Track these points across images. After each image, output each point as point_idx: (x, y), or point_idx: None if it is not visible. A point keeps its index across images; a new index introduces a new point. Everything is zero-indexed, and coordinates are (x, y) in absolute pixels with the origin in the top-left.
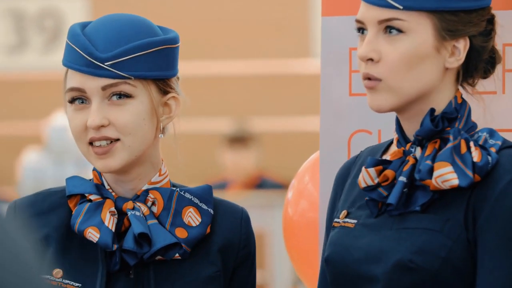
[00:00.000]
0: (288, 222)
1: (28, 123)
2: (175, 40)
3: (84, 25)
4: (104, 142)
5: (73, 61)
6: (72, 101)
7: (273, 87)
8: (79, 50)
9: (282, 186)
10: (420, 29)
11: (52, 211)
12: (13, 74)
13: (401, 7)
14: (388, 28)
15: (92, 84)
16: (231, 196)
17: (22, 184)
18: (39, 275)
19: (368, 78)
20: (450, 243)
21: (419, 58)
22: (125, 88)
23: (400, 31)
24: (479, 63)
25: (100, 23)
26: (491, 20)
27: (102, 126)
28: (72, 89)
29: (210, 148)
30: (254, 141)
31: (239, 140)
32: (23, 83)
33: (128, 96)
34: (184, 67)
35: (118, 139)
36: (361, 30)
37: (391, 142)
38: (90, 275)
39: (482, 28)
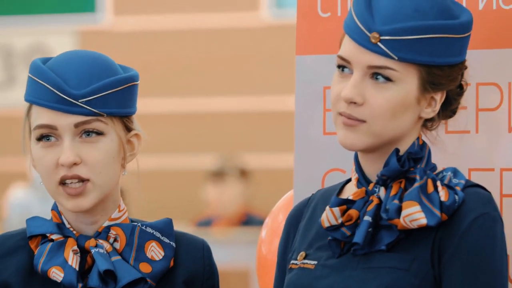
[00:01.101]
0: (262, 261)
1: (15, 159)
2: (137, 77)
3: (44, 61)
4: (76, 183)
5: (41, 98)
6: (40, 138)
7: (258, 123)
8: (49, 86)
9: None
10: (408, 79)
11: (12, 254)
12: (1, 110)
13: (396, 58)
14: (376, 74)
15: (64, 121)
16: (217, 232)
17: (8, 220)
18: None
19: (350, 117)
20: (417, 282)
21: (403, 107)
22: (97, 125)
23: (388, 79)
24: (446, 112)
25: (65, 59)
26: (462, 73)
27: (75, 164)
28: (42, 126)
29: (195, 185)
30: (239, 177)
31: (220, 176)
32: (10, 119)
33: (99, 133)
34: (168, 103)
35: (88, 179)
36: (342, 67)
37: (345, 183)
38: None
39: (459, 82)
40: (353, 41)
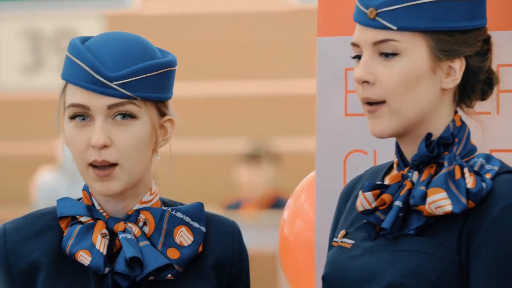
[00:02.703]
0: (284, 242)
1: (43, 143)
2: (174, 63)
3: (83, 40)
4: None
5: (76, 77)
6: (73, 117)
7: (289, 107)
8: (84, 66)
9: None
10: (415, 50)
11: (42, 234)
12: (29, 94)
13: (395, 28)
14: (383, 53)
15: (98, 102)
16: (245, 216)
17: (36, 204)
18: None
19: (368, 102)
20: (442, 267)
21: (415, 79)
22: (130, 108)
23: (395, 54)
24: (476, 84)
25: (103, 40)
26: (487, 41)
27: (105, 146)
28: (75, 105)
29: (226, 168)
30: (270, 160)
31: (255, 158)
32: (38, 103)
33: (132, 116)
34: (198, 87)
35: (116, 164)
36: (357, 57)
37: (392, 164)
38: None
39: (478, 49)
40: (358, 24)
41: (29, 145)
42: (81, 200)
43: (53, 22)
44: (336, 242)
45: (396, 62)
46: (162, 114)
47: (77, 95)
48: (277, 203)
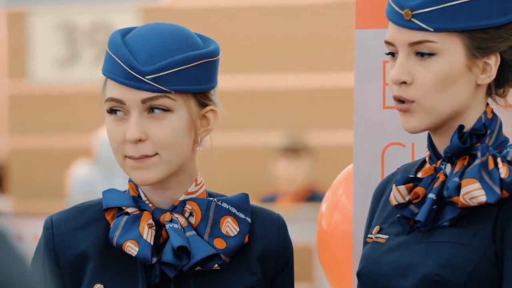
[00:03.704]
0: (322, 235)
1: (78, 136)
2: (215, 53)
3: (125, 33)
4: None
5: (113, 72)
6: (111, 111)
7: (325, 100)
8: (120, 62)
9: None
10: (451, 49)
11: (89, 226)
12: (64, 87)
13: (431, 29)
14: (419, 53)
15: (132, 97)
16: (281, 209)
17: (71, 197)
18: None
19: (401, 100)
20: (477, 258)
21: (452, 78)
22: (165, 102)
23: (431, 54)
24: (510, 76)
25: (142, 33)
26: None
27: (140, 140)
28: (112, 100)
29: (263, 161)
30: (307, 154)
31: (292, 151)
32: (74, 96)
33: (167, 110)
34: (239, 81)
35: (155, 154)
36: (392, 54)
37: (425, 160)
38: None
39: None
40: (392, 23)
41: (64, 138)
42: (127, 192)
43: (88, 16)
44: (371, 238)
45: (432, 62)
46: (203, 104)
47: (114, 90)
48: (312, 197)
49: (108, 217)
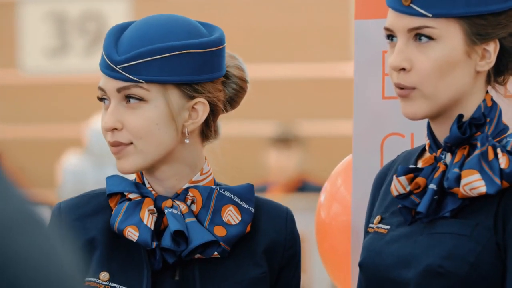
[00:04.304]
0: (321, 226)
1: (69, 125)
2: (208, 44)
3: (128, 24)
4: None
5: (100, 61)
6: (101, 99)
7: (317, 90)
8: (103, 51)
9: None
10: (450, 35)
11: (97, 214)
12: (54, 77)
13: (430, 15)
14: (418, 35)
15: (109, 86)
16: (272, 199)
17: (62, 187)
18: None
19: (401, 87)
20: (479, 248)
21: (451, 64)
22: (137, 91)
23: (430, 38)
24: (509, 63)
25: (137, 23)
26: None
27: (116, 129)
28: (98, 88)
29: (254, 151)
30: (298, 144)
31: (283, 142)
32: (64, 86)
33: (140, 99)
34: None
35: (131, 143)
36: (391, 37)
37: (425, 147)
38: (136, 277)
39: (511, 29)
40: (392, 10)
41: (55, 128)
42: (131, 179)
43: (78, 5)
44: (372, 228)
45: (431, 48)
46: (190, 96)
47: (101, 79)
48: (304, 187)
49: (112, 204)
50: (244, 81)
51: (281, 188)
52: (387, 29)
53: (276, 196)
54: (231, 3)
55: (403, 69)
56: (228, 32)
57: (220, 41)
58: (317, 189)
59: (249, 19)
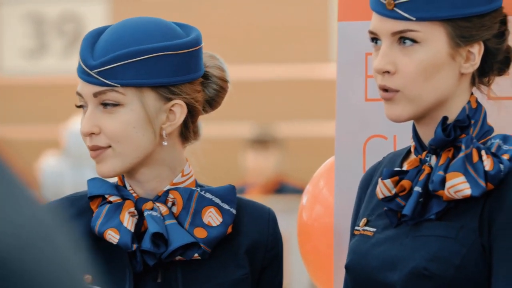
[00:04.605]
0: (303, 227)
1: (47, 127)
2: (184, 45)
3: (105, 28)
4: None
5: (77, 67)
6: (79, 106)
7: (296, 91)
8: (79, 56)
9: (301, 191)
10: (434, 38)
11: (79, 217)
12: (32, 78)
13: (414, 19)
14: (402, 38)
15: (86, 91)
16: None
17: (40, 188)
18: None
19: (385, 89)
20: (464, 251)
21: (435, 67)
22: (113, 96)
23: (414, 41)
24: (494, 65)
25: (113, 26)
26: (503, 21)
27: (93, 133)
28: (77, 93)
29: (232, 153)
30: (276, 145)
31: (261, 143)
32: (42, 87)
33: (116, 104)
34: None
35: (109, 146)
36: (375, 40)
37: (410, 149)
38: (119, 280)
39: (496, 31)
40: (376, 13)
41: (33, 129)
42: (112, 182)
43: (56, 6)
44: (358, 230)
45: (415, 51)
46: (167, 98)
47: (79, 84)
48: (281, 188)
49: (93, 206)
50: (225, 81)
51: (259, 190)
52: (371, 32)
53: (254, 198)
54: (210, 3)
55: (388, 72)
56: (206, 33)
57: (196, 42)
58: (295, 191)
59: (227, 20)
